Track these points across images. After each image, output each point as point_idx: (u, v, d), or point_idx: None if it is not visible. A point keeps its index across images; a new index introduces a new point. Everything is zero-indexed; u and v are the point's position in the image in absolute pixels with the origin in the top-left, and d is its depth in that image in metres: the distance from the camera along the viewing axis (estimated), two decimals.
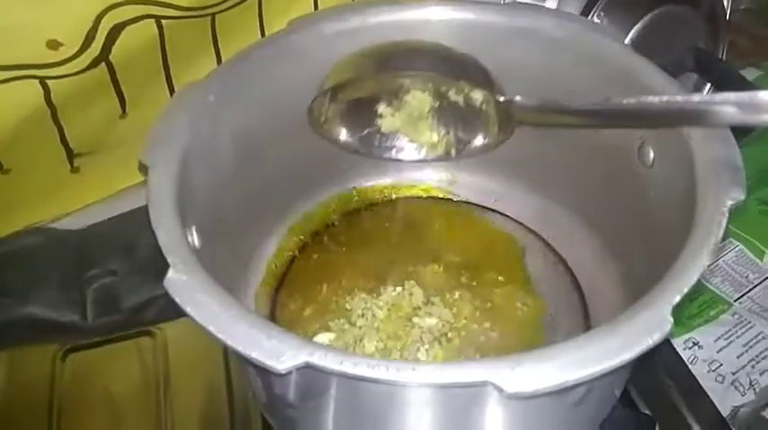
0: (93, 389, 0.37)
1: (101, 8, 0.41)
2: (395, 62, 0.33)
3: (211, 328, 0.23)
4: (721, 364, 0.44)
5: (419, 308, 0.35)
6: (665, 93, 0.32)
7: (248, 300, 0.35)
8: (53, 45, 0.41)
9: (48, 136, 0.45)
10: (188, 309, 0.23)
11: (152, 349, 0.38)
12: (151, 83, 0.46)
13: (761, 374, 0.43)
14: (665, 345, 0.40)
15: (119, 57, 0.43)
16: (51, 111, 0.44)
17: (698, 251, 0.24)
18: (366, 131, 0.36)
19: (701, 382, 0.41)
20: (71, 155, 0.47)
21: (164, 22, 0.43)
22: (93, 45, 0.42)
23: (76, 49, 0.41)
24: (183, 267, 0.25)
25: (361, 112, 0.36)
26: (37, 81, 0.42)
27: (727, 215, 0.25)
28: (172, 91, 0.47)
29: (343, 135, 0.36)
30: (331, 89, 0.34)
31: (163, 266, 0.25)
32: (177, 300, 0.24)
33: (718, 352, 0.44)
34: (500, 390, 0.21)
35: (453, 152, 0.36)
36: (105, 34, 0.42)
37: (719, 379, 0.43)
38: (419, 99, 0.35)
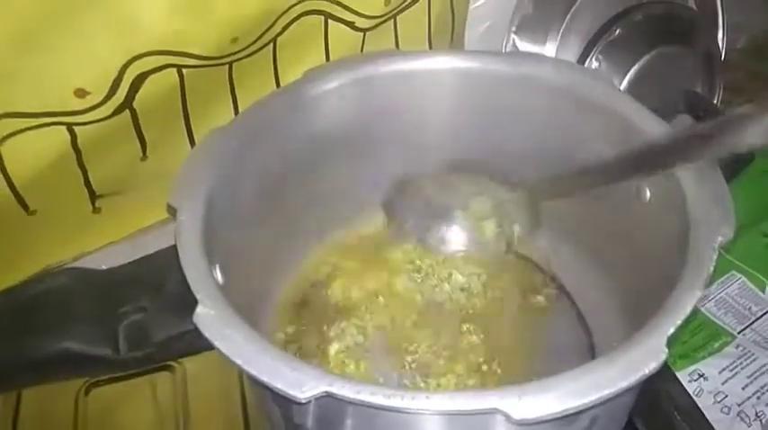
0: (116, 423, 0.39)
1: (126, 59, 0.43)
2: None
3: (239, 361, 0.25)
4: (727, 396, 0.45)
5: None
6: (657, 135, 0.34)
7: (268, 333, 0.37)
8: (80, 93, 0.44)
9: (72, 178, 0.47)
10: (216, 343, 0.26)
11: (172, 384, 0.40)
12: (171, 127, 0.49)
13: (767, 405, 0.45)
14: (670, 379, 0.42)
15: (142, 103, 0.46)
16: (77, 155, 0.46)
17: (690, 286, 0.26)
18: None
19: (707, 413, 0.42)
20: (93, 196, 0.49)
21: (184, 70, 0.46)
22: (117, 93, 0.44)
23: (102, 97, 0.44)
24: (210, 303, 0.27)
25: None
26: (64, 127, 0.44)
27: (717, 252, 0.27)
28: (190, 135, 0.50)
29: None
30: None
31: (190, 302, 0.27)
32: (206, 334, 0.26)
33: (723, 383, 0.46)
34: (508, 417, 0.23)
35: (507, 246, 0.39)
36: (130, 83, 0.44)
37: (725, 410, 0.45)
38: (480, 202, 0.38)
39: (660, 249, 0.30)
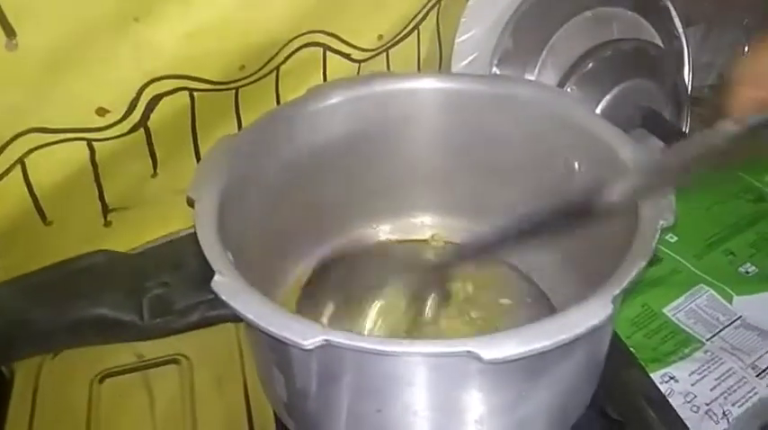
0: (128, 409, 0.44)
1: (144, 81, 0.50)
2: None
3: (251, 317, 0.31)
4: (696, 396, 0.50)
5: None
6: (627, 151, 0.40)
7: None
8: (101, 112, 0.50)
9: (88, 192, 0.53)
10: (231, 303, 0.31)
11: (179, 375, 0.45)
12: (180, 146, 0.55)
13: (733, 405, 0.50)
14: (641, 373, 0.47)
15: (155, 123, 0.52)
16: (94, 169, 0.52)
17: (635, 257, 0.32)
18: None
19: (677, 412, 0.47)
20: (106, 210, 0.55)
21: (195, 93, 0.53)
22: (134, 112, 0.50)
23: (120, 116, 0.50)
24: (226, 273, 0.32)
25: None
26: (85, 143, 0.50)
27: (659, 232, 0.33)
28: (197, 154, 0.56)
29: None
30: None
31: (205, 278, 0.33)
32: (223, 297, 0.31)
33: (692, 385, 0.51)
34: (479, 358, 0.28)
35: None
36: (146, 103, 0.50)
37: (694, 409, 0.50)
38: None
39: (612, 232, 0.36)
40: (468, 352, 0.28)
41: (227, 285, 0.32)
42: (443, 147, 0.47)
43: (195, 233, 0.35)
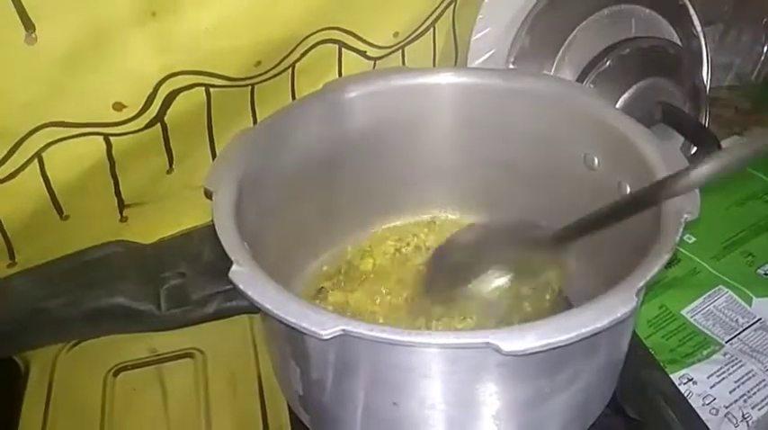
0: (143, 404, 0.43)
1: (161, 76, 0.50)
2: None
3: (269, 306, 0.30)
4: (715, 398, 0.50)
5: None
6: (648, 147, 0.40)
7: None
8: (118, 107, 0.50)
9: (105, 187, 0.53)
10: (249, 293, 0.31)
11: (194, 369, 0.45)
12: (196, 143, 0.55)
13: (752, 408, 0.49)
14: (658, 371, 0.46)
15: (172, 119, 0.52)
16: (110, 164, 0.52)
17: (659, 251, 0.32)
18: None
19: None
20: (122, 205, 0.55)
21: (212, 89, 0.53)
22: (151, 108, 0.50)
23: (137, 111, 0.50)
24: (243, 263, 0.32)
25: None
26: (101, 137, 0.50)
27: (683, 226, 0.33)
28: (213, 150, 0.56)
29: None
30: None
31: (221, 270, 0.32)
32: (241, 286, 0.31)
33: (711, 387, 0.50)
34: (499, 350, 0.28)
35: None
36: (162, 99, 0.50)
37: (713, 411, 0.49)
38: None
39: (637, 226, 0.35)
40: (488, 343, 0.28)
41: (245, 275, 0.32)
42: (460, 142, 0.47)
43: (212, 225, 0.35)
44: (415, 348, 0.29)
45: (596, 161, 0.42)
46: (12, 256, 0.51)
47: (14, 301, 0.45)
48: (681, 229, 0.32)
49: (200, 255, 0.45)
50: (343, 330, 0.29)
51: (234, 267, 0.32)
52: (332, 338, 0.29)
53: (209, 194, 0.36)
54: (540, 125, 0.44)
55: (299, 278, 0.46)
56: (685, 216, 0.33)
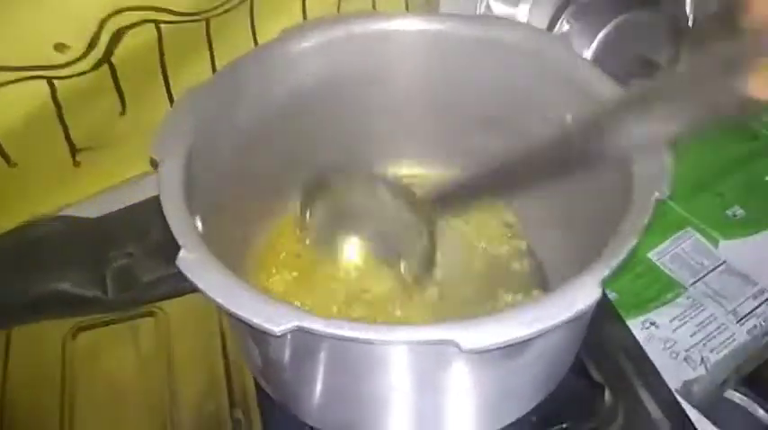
0: (102, 365, 0.42)
1: (105, 13, 0.46)
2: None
3: (219, 299, 0.28)
4: (676, 342, 0.50)
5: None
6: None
7: (246, 276, 0.41)
8: (60, 48, 0.46)
9: (53, 132, 0.50)
10: (198, 283, 0.29)
11: (155, 328, 0.44)
12: (149, 83, 0.52)
13: (711, 352, 0.50)
14: (619, 324, 0.46)
15: (120, 58, 0.48)
16: (57, 108, 0.49)
17: (626, 235, 0.30)
18: None
19: (655, 358, 0.47)
20: (74, 150, 0.52)
21: (162, 26, 0.49)
22: (97, 48, 0.47)
23: (82, 52, 0.47)
24: (192, 248, 0.30)
25: None
26: (44, 81, 0.47)
27: (653, 207, 0.31)
28: (168, 90, 0.53)
29: None
30: None
31: (173, 248, 0.30)
32: (189, 276, 0.29)
33: (673, 331, 0.50)
34: (459, 347, 0.27)
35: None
36: (109, 37, 0.47)
37: (673, 355, 0.50)
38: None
39: (605, 204, 0.33)
40: (448, 340, 0.27)
41: (193, 262, 0.30)
42: (427, 93, 0.44)
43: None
44: (374, 344, 0.28)
45: (569, 118, 0.40)
46: None
47: None
48: (650, 212, 0.31)
49: (148, 233, 0.42)
50: (298, 326, 0.27)
51: (181, 253, 0.30)
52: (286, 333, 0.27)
53: (154, 165, 0.34)
54: (509, 77, 0.42)
55: (259, 242, 0.44)
56: (656, 194, 0.31)
